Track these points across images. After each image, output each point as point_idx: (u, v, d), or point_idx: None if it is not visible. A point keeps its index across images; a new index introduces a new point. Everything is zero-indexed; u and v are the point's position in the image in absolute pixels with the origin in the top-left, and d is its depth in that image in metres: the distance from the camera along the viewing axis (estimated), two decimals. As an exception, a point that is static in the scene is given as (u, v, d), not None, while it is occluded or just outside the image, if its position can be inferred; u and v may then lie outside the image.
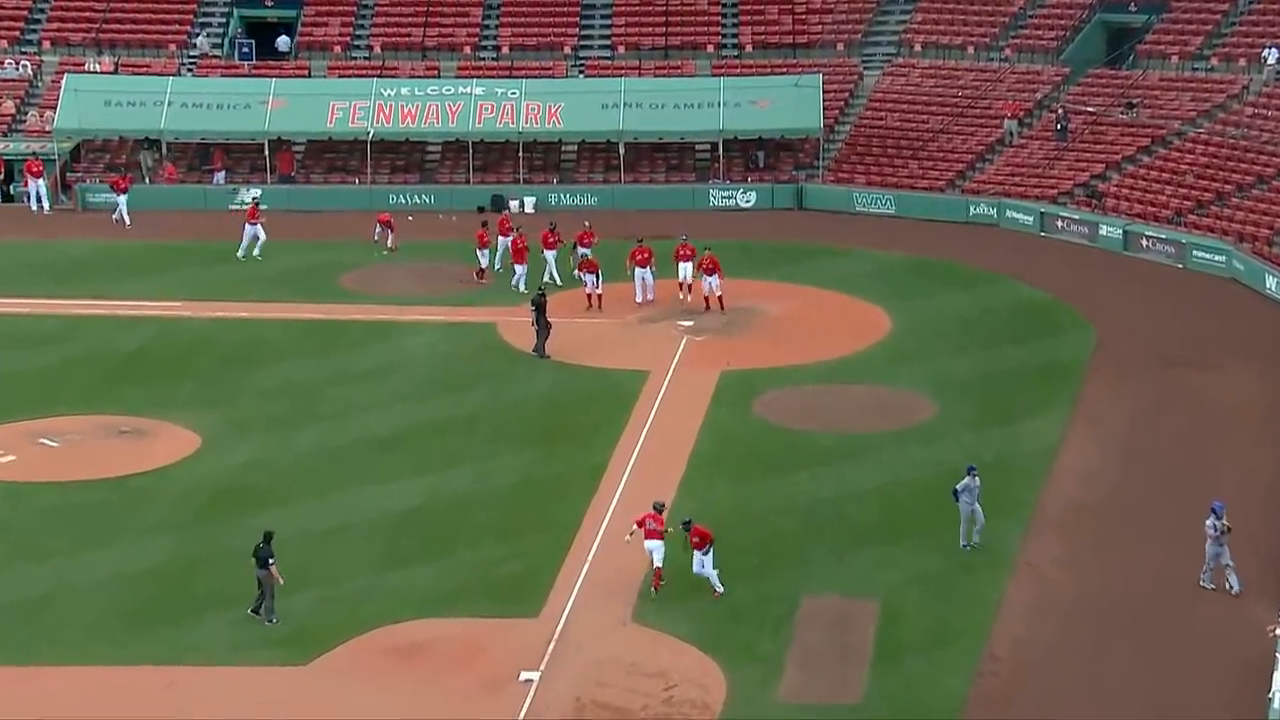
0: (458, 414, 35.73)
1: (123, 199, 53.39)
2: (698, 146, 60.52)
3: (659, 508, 27.87)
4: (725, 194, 57.80)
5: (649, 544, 27.42)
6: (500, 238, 46.91)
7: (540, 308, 39.94)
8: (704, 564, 26.60)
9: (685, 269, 44.25)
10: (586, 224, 46.41)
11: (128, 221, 53.00)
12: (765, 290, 45.91)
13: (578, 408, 36.13)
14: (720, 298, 43.69)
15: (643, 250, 44.74)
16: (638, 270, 44.40)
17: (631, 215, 52.94)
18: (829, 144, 60.20)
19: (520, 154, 59.02)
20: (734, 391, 36.93)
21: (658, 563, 27.32)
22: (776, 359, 39.77)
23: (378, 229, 50.88)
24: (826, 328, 42.59)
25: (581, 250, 44.92)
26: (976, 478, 27.89)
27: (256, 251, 48.34)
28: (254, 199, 50.18)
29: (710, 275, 43.39)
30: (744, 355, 40.05)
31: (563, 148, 60.81)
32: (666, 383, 37.66)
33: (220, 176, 58.33)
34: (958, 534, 28.49)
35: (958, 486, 27.73)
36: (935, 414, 35.46)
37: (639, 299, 44.61)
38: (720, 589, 26.53)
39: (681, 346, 40.87)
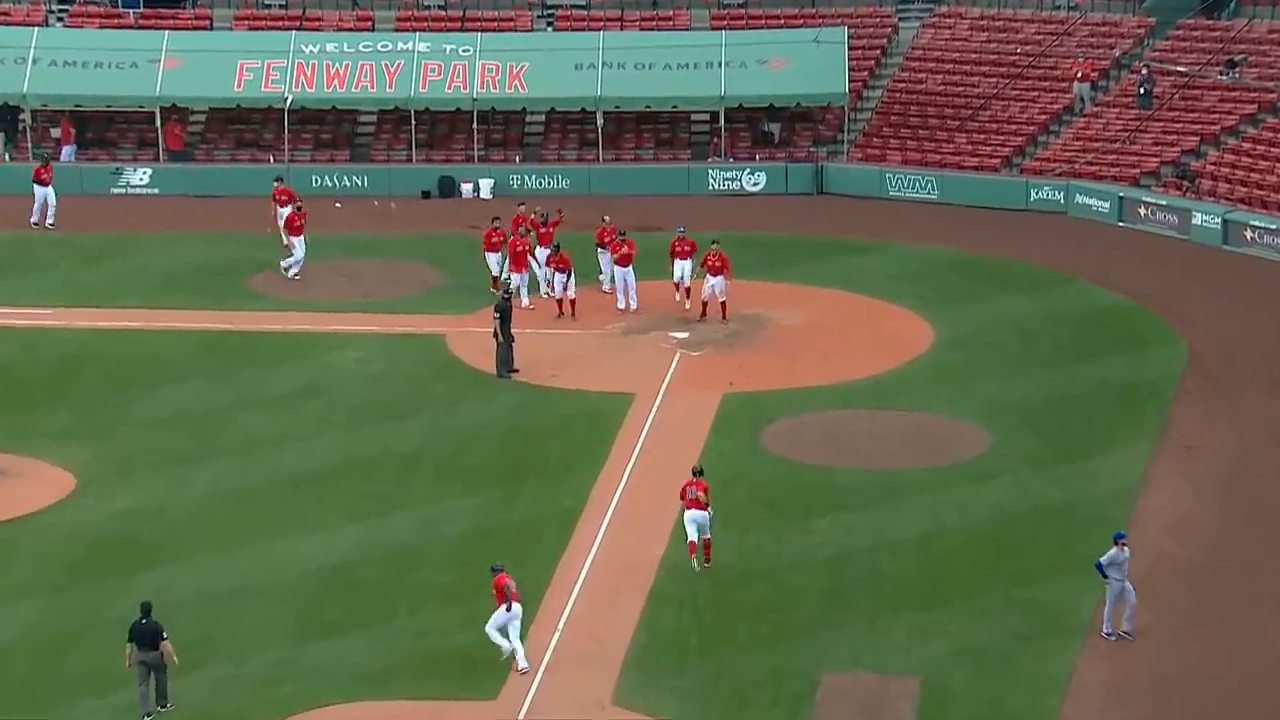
0: (397, 447, 35.89)
1: (48, 191, 51.57)
2: (694, 117, 60.76)
3: (699, 472, 30.21)
4: (728, 175, 58.04)
5: (691, 515, 29.67)
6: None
7: (505, 315, 40.01)
8: (506, 627, 26.64)
9: (683, 268, 44.38)
10: (605, 219, 45.89)
11: (50, 221, 52.06)
12: (777, 294, 46.03)
13: (546, 439, 36.35)
14: (724, 303, 43.86)
15: (623, 245, 44.77)
16: (618, 270, 44.49)
17: (612, 201, 52.99)
18: (856, 114, 60.48)
19: (474, 126, 59.13)
20: (739, 419, 37.16)
21: (703, 533, 29.67)
22: (791, 379, 39.93)
23: (275, 215, 49.60)
24: (853, 340, 42.94)
25: (601, 251, 44.60)
26: (1126, 548, 27.53)
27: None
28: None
29: (716, 275, 43.55)
30: (751, 374, 40.17)
31: (527, 119, 61.02)
32: (655, 408, 37.90)
33: (68, 150, 57.88)
34: (1037, 604, 28.64)
35: (1102, 560, 27.44)
36: (988, 447, 35.77)
37: (620, 304, 44.78)
38: (524, 665, 26.50)
39: (674, 363, 41.04)
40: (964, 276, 48.05)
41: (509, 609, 26.72)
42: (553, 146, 60.46)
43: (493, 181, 57.71)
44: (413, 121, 59.30)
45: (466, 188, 57.89)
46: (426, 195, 57.74)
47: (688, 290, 44.23)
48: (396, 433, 36.65)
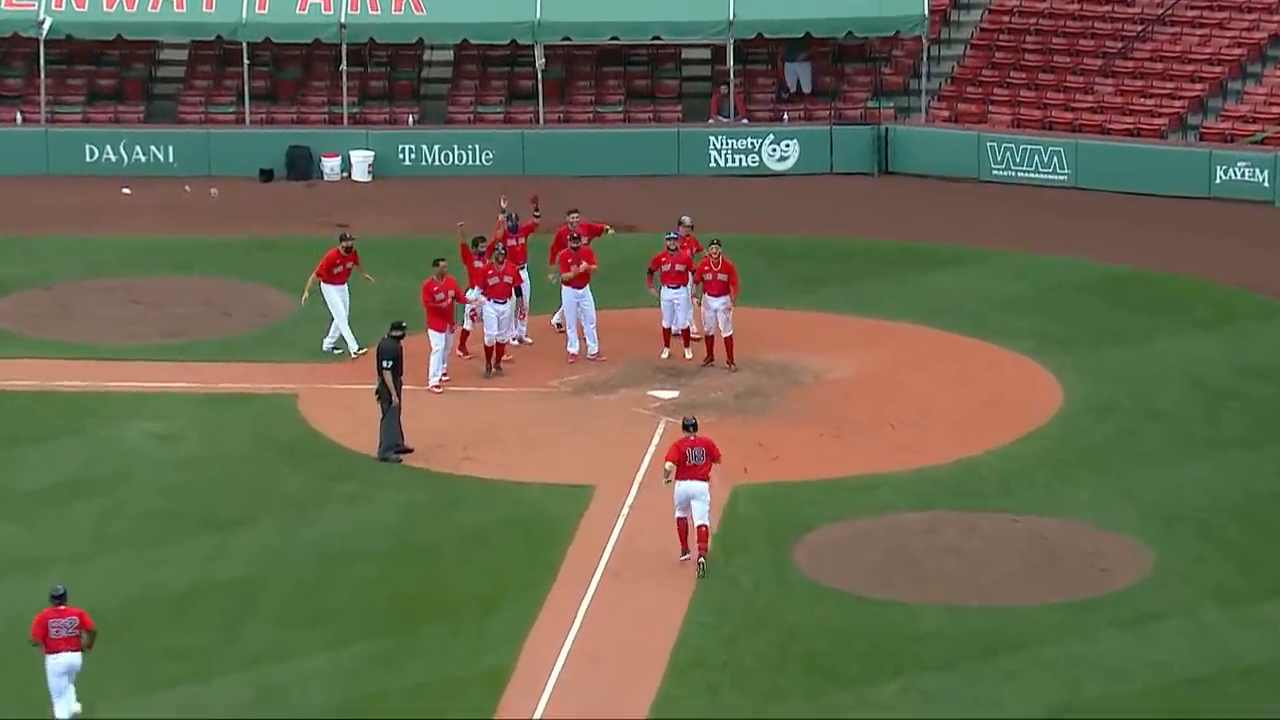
0: (221, 574, 35.68)
1: None
2: (686, 55, 61.97)
3: (692, 426, 34.67)
4: (740, 146, 58.77)
5: (687, 488, 34.31)
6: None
7: (396, 364, 39.98)
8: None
9: (674, 301, 44.51)
10: (686, 222, 45.16)
11: None
12: (817, 329, 46.61)
13: (456, 561, 36.29)
14: (729, 340, 43.98)
15: (577, 255, 44.82)
16: (568, 294, 44.85)
17: (558, 186, 53.08)
18: (941, 48, 61.52)
19: (343, 68, 59.72)
20: (757, 526, 37.14)
21: (700, 518, 34.30)
22: (839, 463, 40.12)
23: None
24: (936, 402, 43.26)
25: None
26: None
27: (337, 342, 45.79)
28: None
29: (718, 297, 43.69)
30: (777, 454, 40.35)
31: (426, 57, 62.05)
32: (626, 508, 37.88)
33: None
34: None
35: None
36: (1150, 572, 35.67)
37: (573, 348, 45.03)
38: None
39: (656, 439, 40.86)
40: (1110, 304, 48.52)
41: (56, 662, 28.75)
42: (465, 100, 61.05)
43: (371, 155, 58.38)
44: (244, 61, 59.65)
45: (330, 164, 58.47)
46: (268, 176, 58.39)
47: (686, 334, 44.69)
48: (220, 551, 36.42)
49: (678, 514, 34.97)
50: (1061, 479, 39.36)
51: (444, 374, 43.25)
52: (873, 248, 51.99)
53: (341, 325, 45.36)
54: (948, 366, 45.15)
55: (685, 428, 34.89)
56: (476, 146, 58.76)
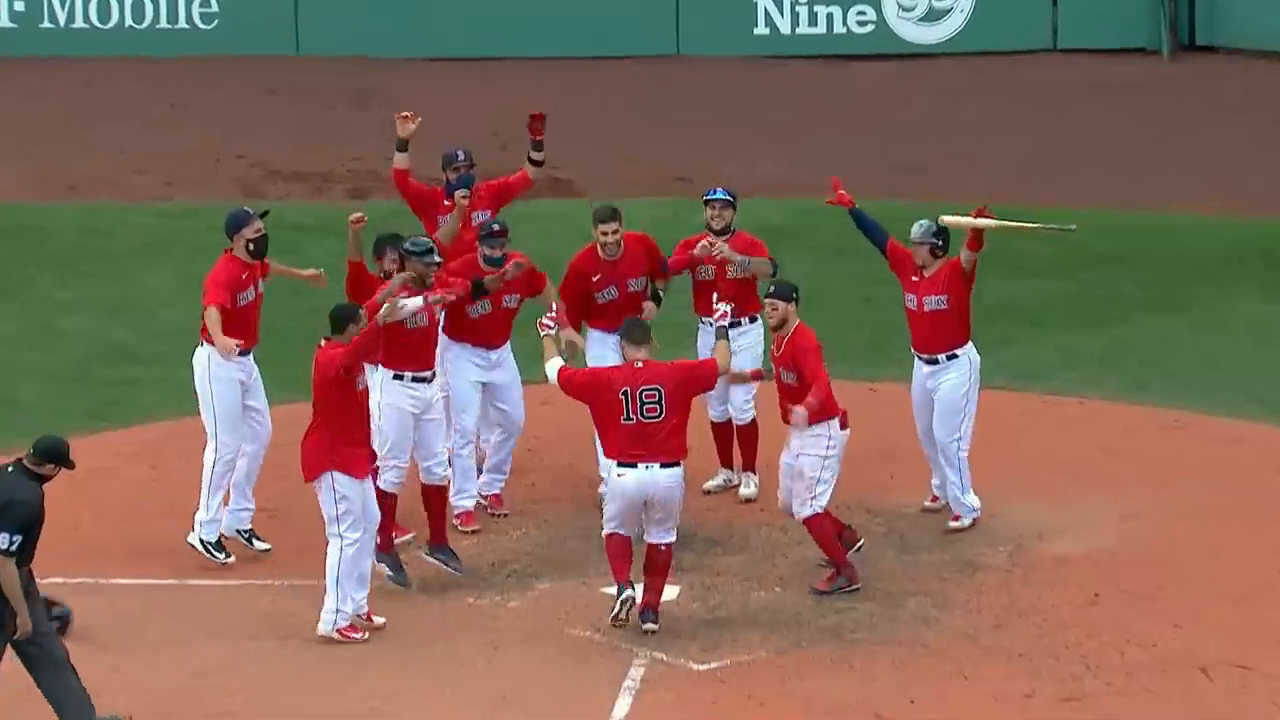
0: None
1: None
2: None
3: (638, 337, 38.06)
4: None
5: (635, 482, 36.46)
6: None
7: (27, 531, 37.01)
8: None
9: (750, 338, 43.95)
10: (918, 235, 44.22)
11: None
12: (1020, 430, 46.13)
13: None
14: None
15: (457, 277, 43.60)
16: (461, 365, 44.52)
17: (390, 90, 58.81)
18: None
19: None
20: None
21: (660, 535, 37.03)
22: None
23: None
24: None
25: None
26: None
27: None
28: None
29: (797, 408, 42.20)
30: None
31: None
32: None
33: None
34: None
35: None
36: None
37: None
38: None
39: (625, 702, 37.54)
40: None
41: None
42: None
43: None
44: None
45: None
46: None
47: (751, 440, 43.89)
48: None
49: (611, 528, 36.94)
50: None
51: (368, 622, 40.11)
52: (1159, 231, 51.13)
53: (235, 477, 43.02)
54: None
55: (632, 339, 36.69)
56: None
